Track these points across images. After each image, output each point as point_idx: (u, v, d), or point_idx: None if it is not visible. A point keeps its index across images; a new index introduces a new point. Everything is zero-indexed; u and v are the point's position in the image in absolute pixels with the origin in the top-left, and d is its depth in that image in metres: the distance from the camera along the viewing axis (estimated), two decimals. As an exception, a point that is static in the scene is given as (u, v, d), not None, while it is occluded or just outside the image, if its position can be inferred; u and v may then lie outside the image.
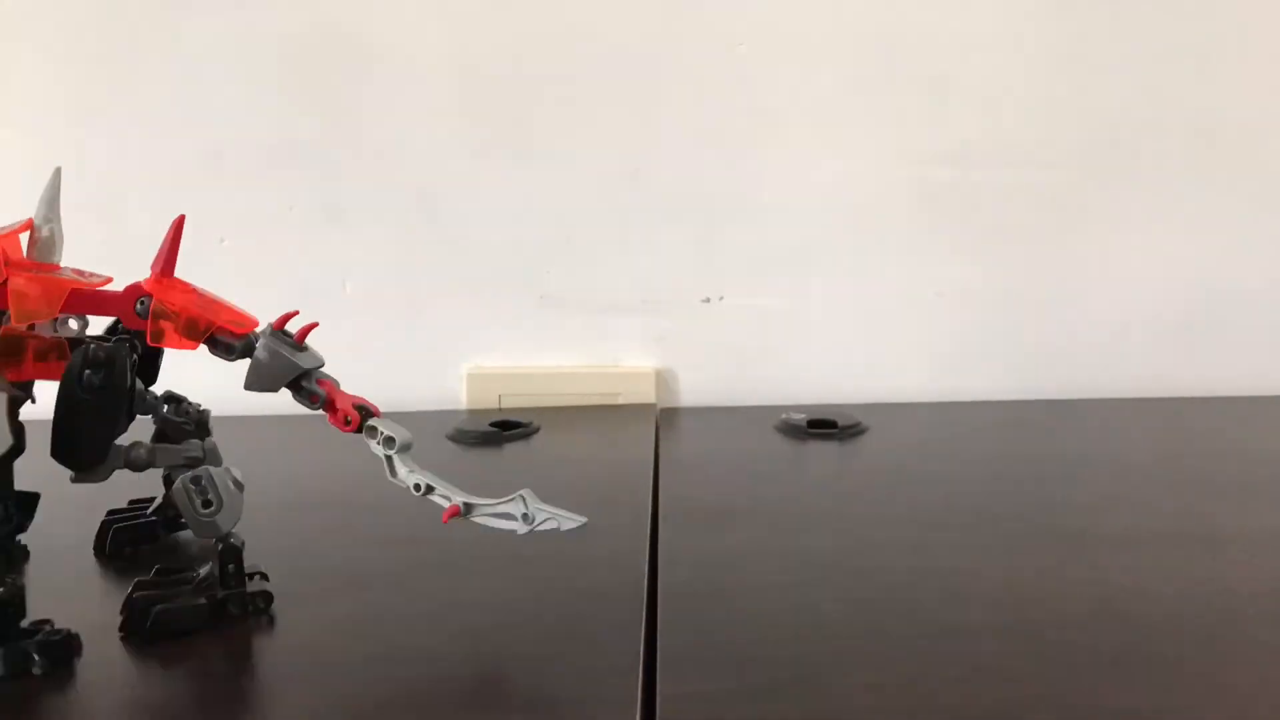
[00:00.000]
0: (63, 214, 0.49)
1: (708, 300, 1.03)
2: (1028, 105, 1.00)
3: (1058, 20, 0.98)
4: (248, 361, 0.48)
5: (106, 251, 0.99)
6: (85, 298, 0.47)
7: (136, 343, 0.50)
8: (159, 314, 0.47)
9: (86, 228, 0.99)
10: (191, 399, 0.60)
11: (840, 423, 0.91)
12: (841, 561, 0.59)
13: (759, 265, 1.02)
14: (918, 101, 0.99)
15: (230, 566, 0.51)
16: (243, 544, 0.52)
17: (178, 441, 0.55)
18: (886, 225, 1.01)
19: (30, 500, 0.49)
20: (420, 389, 1.01)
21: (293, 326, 0.50)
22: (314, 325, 0.50)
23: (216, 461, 0.54)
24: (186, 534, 0.64)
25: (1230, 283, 1.03)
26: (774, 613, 0.52)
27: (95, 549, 0.61)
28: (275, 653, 0.49)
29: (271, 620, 0.52)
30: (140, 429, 0.54)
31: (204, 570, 0.51)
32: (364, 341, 1.00)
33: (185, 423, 0.59)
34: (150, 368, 0.55)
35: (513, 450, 0.86)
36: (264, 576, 0.53)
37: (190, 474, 0.51)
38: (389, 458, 0.49)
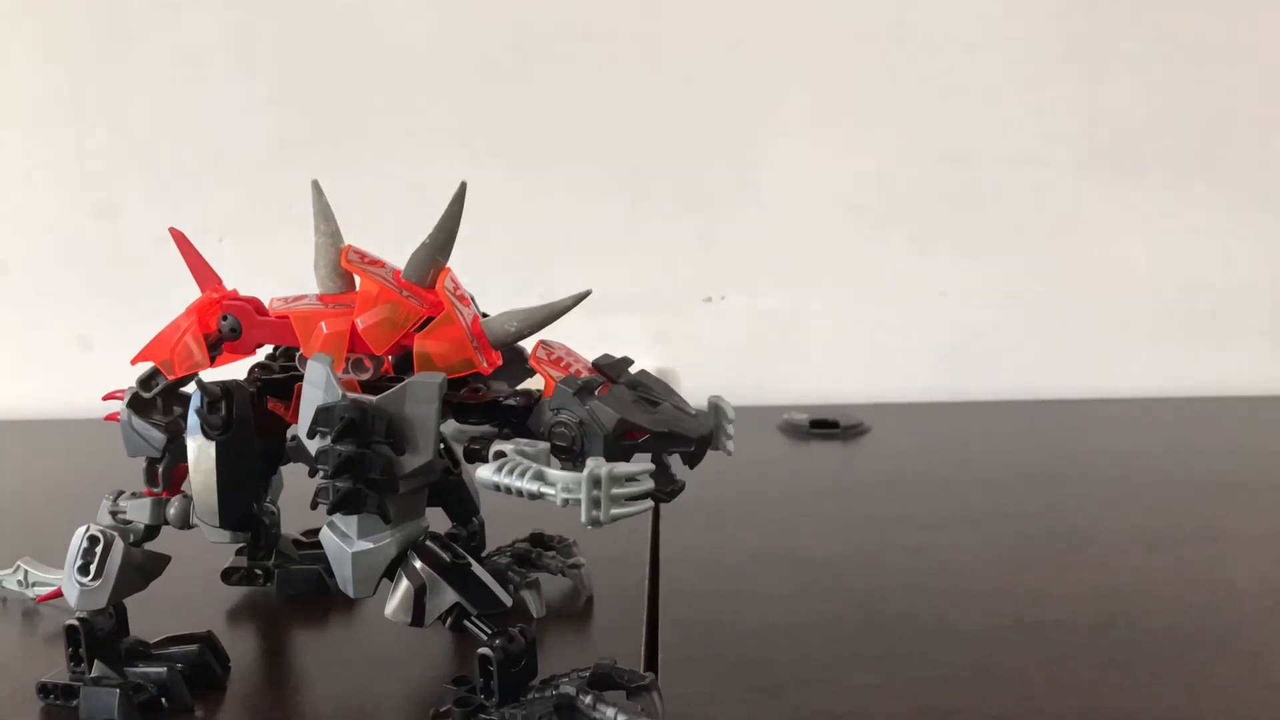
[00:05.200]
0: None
1: (709, 300, 1.03)
2: (1028, 105, 0.99)
3: (1058, 20, 0.98)
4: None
5: (107, 251, 1.00)
6: None
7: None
8: None
9: (86, 228, 1.00)
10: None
11: (842, 423, 0.91)
12: (843, 562, 0.59)
13: (761, 264, 1.02)
14: (919, 101, 0.99)
15: None
16: None
17: None
18: (888, 224, 1.01)
19: None
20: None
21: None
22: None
23: None
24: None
25: (1231, 283, 1.03)
26: (775, 613, 0.52)
27: None
28: (297, 651, 0.49)
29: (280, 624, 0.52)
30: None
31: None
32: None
33: None
34: None
35: (514, 450, 0.86)
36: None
37: None
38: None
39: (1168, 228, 1.02)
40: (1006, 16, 0.98)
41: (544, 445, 0.40)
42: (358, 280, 0.44)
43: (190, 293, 0.95)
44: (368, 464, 0.39)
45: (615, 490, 0.37)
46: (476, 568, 0.41)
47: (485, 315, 0.47)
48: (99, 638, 0.43)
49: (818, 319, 1.03)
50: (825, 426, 0.90)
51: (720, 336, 1.03)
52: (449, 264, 0.45)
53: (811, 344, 1.03)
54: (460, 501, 0.52)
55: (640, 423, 0.41)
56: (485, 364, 0.42)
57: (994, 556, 0.60)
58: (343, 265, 0.44)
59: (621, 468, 0.38)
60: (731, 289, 1.02)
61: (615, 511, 0.38)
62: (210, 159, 0.98)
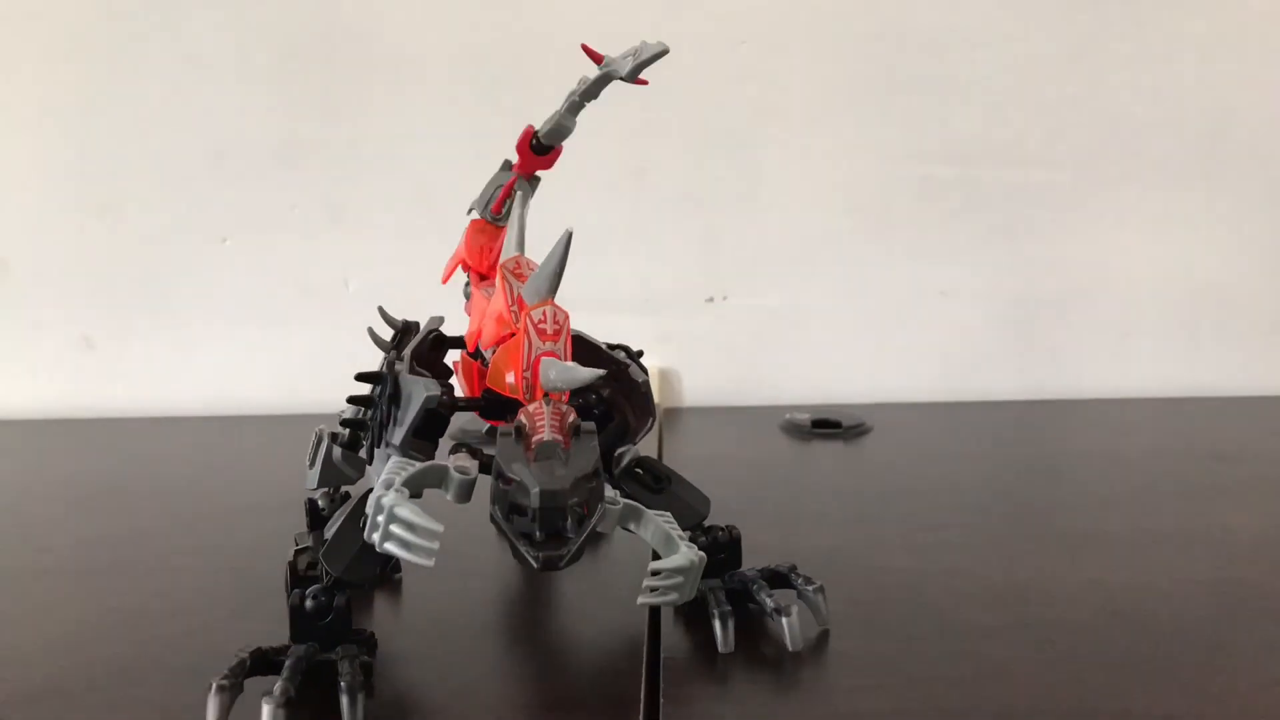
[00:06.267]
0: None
1: (711, 300, 1.03)
2: (1029, 105, 0.99)
3: (1059, 19, 0.98)
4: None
5: (109, 250, 1.00)
6: None
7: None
8: None
9: (87, 227, 1.00)
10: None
11: (844, 423, 0.91)
12: (844, 562, 0.59)
13: (763, 264, 1.02)
14: (920, 100, 0.99)
15: None
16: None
17: None
18: (890, 224, 1.01)
19: None
20: (422, 389, 1.01)
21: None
22: None
23: None
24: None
25: (1232, 283, 1.03)
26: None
27: None
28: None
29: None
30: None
31: None
32: (367, 340, 1.00)
33: None
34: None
35: (515, 450, 0.86)
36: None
37: None
38: None
39: (1168, 228, 1.02)
40: (1007, 16, 0.98)
41: (472, 464, 0.43)
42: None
43: (188, 294, 0.96)
44: (376, 412, 0.47)
45: (392, 527, 0.39)
46: (361, 540, 0.42)
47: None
48: (320, 515, 0.57)
49: (819, 319, 1.03)
50: (827, 426, 0.90)
51: (722, 336, 1.03)
52: (553, 298, 0.48)
53: (813, 344, 1.03)
54: (680, 513, 0.48)
55: (510, 473, 0.38)
56: (525, 397, 0.43)
57: (995, 556, 0.60)
58: (498, 268, 0.51)
59: (404, 510, 0.39)
60: (734, 289, 1.02)
61: (387, 545, 0.39)
62: (211, 159, 0.98)
